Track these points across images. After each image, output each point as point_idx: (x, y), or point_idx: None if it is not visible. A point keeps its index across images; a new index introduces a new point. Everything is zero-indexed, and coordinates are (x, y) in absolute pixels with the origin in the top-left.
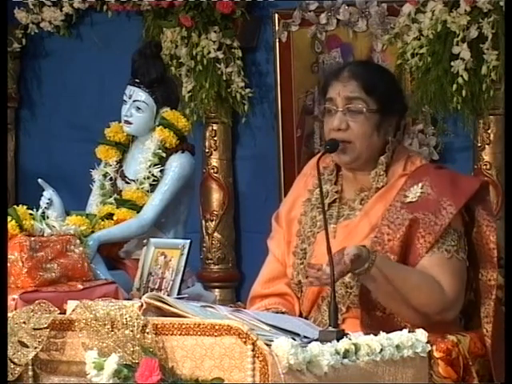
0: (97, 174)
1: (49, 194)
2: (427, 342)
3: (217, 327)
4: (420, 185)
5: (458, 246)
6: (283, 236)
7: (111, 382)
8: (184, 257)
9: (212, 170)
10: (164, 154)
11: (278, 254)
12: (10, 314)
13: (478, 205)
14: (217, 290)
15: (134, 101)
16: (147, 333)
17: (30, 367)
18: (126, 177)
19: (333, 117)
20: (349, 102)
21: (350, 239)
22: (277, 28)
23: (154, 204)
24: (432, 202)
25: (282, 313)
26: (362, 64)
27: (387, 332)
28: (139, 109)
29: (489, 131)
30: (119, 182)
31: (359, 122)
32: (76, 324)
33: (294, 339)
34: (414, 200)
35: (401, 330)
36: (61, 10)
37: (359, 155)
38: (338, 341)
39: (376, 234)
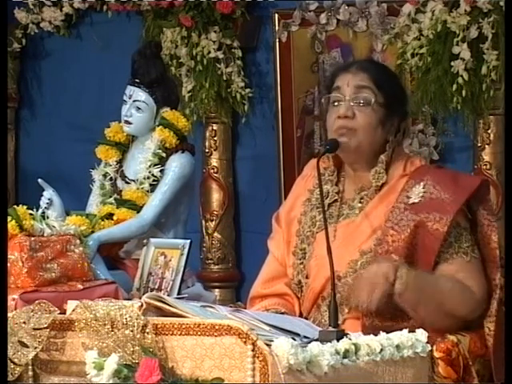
0: (97, 174)
1: (49, 194)
2: (427, 342)
3: (217, 327)
4: (422, 184)
5: (471, 244)
6: (283, 236)
7: (111, 382)
8: (184, 257)
9: (212, 170)
10: (164, 154)
11: (278, 255)
12: (9, 314)
13: (479, 204)
14: (217, 290)
15: (134, 101)
16: (147, 333)
17: (30, 367)
18: (126, 177)
19: (339, 106)
20: (357, 91)
21: (351, 240)
22: (277, 28)
23: (153, 204)
24: (435, 200)
25: (282, 313)
26: (371, 61)
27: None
28: (139, 109)
29: (489, 131)
30: (119, 182)
31: (366, 113)
32: (76, 324)
33: (294, 339)
34: (417, 201)
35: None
36: (61, 10)
37: (360, 145)
38: (337, 341)
39: (379, 236)
